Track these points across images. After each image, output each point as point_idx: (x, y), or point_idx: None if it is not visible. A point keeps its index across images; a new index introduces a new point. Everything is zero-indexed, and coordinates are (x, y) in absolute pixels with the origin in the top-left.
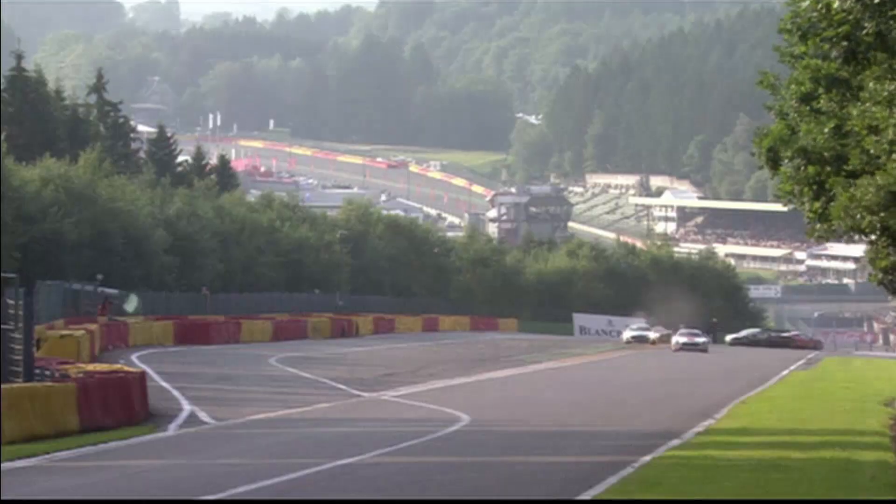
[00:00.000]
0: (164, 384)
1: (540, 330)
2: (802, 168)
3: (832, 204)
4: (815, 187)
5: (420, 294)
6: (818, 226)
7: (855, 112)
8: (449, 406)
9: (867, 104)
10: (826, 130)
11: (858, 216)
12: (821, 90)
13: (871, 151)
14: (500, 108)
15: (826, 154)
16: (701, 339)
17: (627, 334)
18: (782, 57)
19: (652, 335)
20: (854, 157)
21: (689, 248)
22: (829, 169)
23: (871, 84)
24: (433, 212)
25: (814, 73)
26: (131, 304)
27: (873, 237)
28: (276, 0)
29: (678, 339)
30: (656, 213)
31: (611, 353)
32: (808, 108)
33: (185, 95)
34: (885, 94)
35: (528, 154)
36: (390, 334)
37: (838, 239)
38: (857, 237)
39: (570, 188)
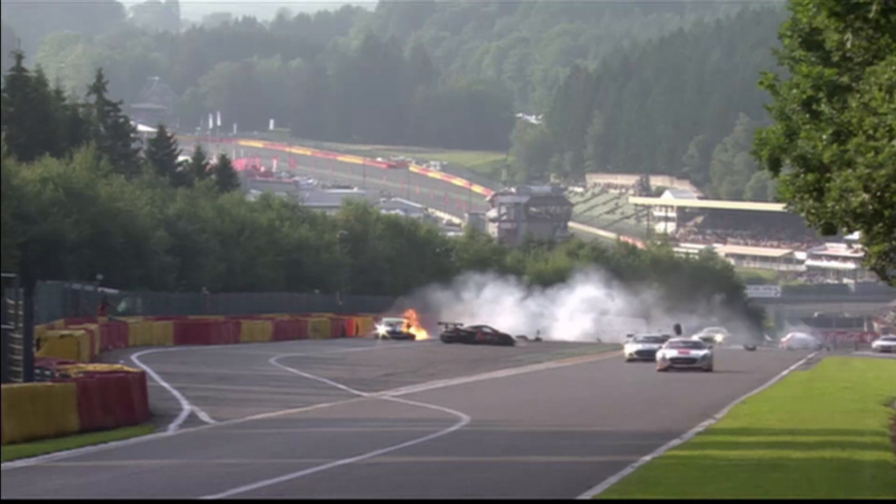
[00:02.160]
0: (164, 384)
1: None
2: (802, 175)
3: (828, 185)
4: (814, 194)
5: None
6: (814, 206)
7: (854, 104)
8: (449, 406)
9: (868, 93)
10: (825, 137)
11: (849, 197)
12: (822, 95)
13: (871, 133)
14: (500, 108)
15: (825, 161)
16: (700, 353)
17: (630, 348)
18: (781, 60)
19: (719, 337)
20: (853, 143)
21: (689, 248)
22: (828, 175)
23: (872, 79)
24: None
25: (815, 81)
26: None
27: (863, 229)
28: (276, 0)
29: (666, 352)
30: (656, 213)
31: (610, 354)
32: (807, 113)
33: (185, 95)
34: (886, 78)
35: (528, 154)
36: None
37: (835, 234)
38: (852, 232)
39: (570, 188)
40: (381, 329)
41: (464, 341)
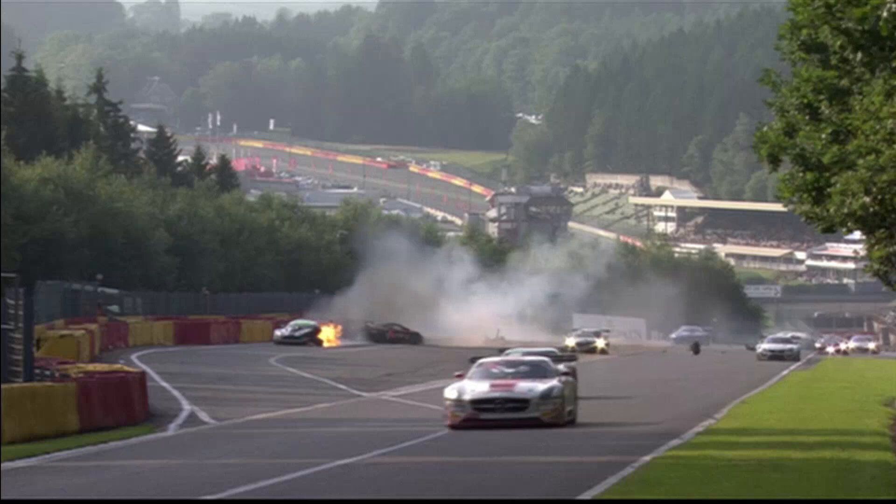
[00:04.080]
0: (164, 384)
1: None
2: (801, 175)
3: (829, 190)
4: (813, 193)
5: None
6: (815, 211)
7: (858, 107)
8: None
9: (867, 98)
10: (823, 136)
11: (850, 201)
12: (822, 98)
13: (869, 138)
14: (500, 108)
15: (824, 160)
16: (538, 387)
17: (571, 340)
18: (783, 56)
19: (601, 342)
20: (853, 145)
21: (689, 248)
22: (827, 174)
23: (872, 87)
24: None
25: (815, 85)
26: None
27: (865, 231)
28: (276, 0)
29: (468, 385)
30: (656, 213)
31: (611, 354)
32: (807, 114)
33: (185, 95)
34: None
35: (528, 154)
36: None
37: (836, 232)
38: (852, 232)
39: (570, 188)
40: (278, 332)
41: (375, 340)
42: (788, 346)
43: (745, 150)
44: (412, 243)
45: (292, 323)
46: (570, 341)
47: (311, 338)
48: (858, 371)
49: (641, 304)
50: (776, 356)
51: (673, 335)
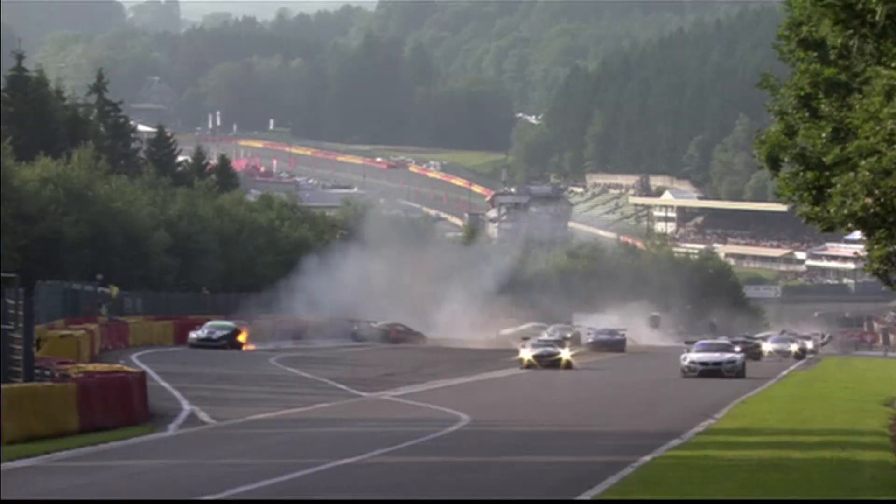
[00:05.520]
0: (164, 384)
1: None
2: (801, 174)
3: (830, 191)
4: (814, 192)
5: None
6: (815, 212)
7: (858, 107)
8: (449, 406)
9: (867, 99)
10: (824, 135)
11: (851, 202)
12: (820, 94)
13: (870, 139)
14: (500, 108)
15: (824, 159)
16: None
17: (527, 353)
18: (782, 54)
19: (566, 353)
20: (853, 146)
21: (689, 248)
22: (827, 174)
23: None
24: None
25: (813, 78)
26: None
27: (865, 231)
28: (276, 0)
29: None
30: (656, 213)
31: (609, 354)
32: (806, 111)
33: (185, 95)
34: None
35: (528, 154)
36: None
37: (836, 232)
38: (852, 232)
39: (570, 188)
40: (193, 334)
41: (376, 339)
42: (728, 355)
43: (745, 151)
44: (409, 242)
45: (209, 324)
46: (526, 353)
47: (230, 340)
48: (859, 371)
49: (641, 303)
50: (709, 371)
51: (590, 338)
